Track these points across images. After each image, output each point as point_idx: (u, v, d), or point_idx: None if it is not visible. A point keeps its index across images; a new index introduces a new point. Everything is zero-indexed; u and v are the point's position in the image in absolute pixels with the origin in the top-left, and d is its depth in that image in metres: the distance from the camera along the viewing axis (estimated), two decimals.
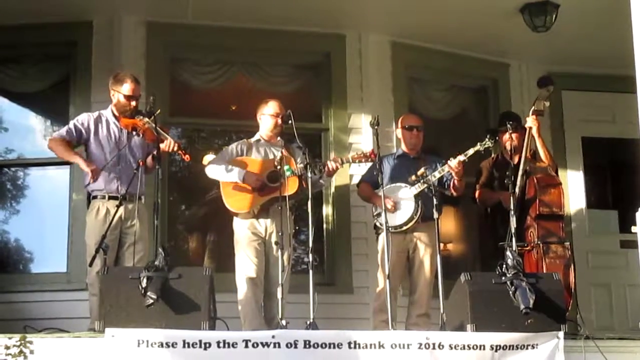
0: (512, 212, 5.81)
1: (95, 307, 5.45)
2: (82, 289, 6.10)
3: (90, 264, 5.53)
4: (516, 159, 6.36)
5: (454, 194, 6.39)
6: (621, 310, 7.80)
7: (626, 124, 7.07)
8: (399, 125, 6.70)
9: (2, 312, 6.39)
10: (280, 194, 5.78)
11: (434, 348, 4.88)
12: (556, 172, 6.60)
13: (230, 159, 6.20)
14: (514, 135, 6.39)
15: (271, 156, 6.21)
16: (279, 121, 6.24)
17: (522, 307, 4.98)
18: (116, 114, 6.04)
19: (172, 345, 4.74)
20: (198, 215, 7.78)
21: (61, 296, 6.67)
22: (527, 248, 6.17)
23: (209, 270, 5.18)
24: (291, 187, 5.96)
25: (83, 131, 5.99)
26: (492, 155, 6.89)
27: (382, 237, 5.95)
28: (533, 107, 6.43)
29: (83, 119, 6.05)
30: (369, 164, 6.42)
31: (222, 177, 6.14)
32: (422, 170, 6.11)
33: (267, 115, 6.31)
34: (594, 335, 5.24)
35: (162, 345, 4.74)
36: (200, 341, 4.75)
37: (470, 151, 6.13)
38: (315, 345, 4.81)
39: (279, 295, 5.39)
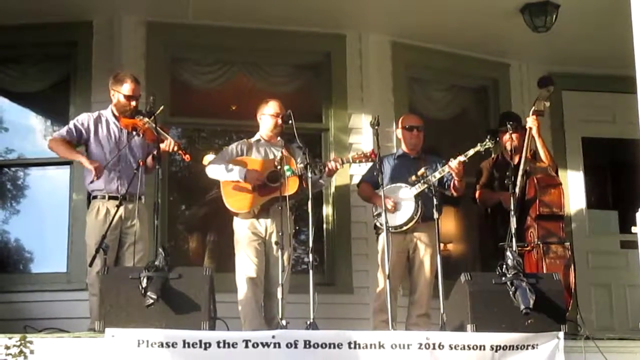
0: (512, 213, 5.81)
1: (95, 307, 5.45)
2: (82, 289, 6.10)
3: (91, 264, 5.52)
4: (516, 159, 6.36)
5: (454, 194, 6.39)
6: (621, 311, 7.80)
7: (626, 124, 7.07)
8: (399, 125, 6.70)
9: (2, 312, 6.39)
10: (280, 194, 5.77)
11: (434, 348, 4.88)
12: (556, 173, 6.60)
13: (231, 159, 6.20)
14: (514, 136, 6.39)
15: (271, 156, 6.20)
16: (279, 121, 6.24)
17: (522, 307, 4.98)
18: (116, 114, 6.04)
19: (172, 345, 4.74)
20: (198, 215, 7.78)
21: (61, 296, 6.67)
22: (527, 248, 6.17)
23: (209, 270, 5.18)
24: (291, 187, 5.96)
25: (83, 131, 5.99)
26: (493, 155, 6.89)
27: (382, 237, 5.95)
28: (533, 108, 6.43)
29: (83, 119, 6.05)
30: (369, 164, 6.42)
31: (223, 177, 6.14)
32: (422, 170, 6.11)
33: (267, 115, 6.31)
34: (594, 336, 5.24)
35: (162, 345, 4.74)
36: (200, 341, 4.75)
37: (471, 152, 6.14)
38: (316, 346, 4.81)
39: (279, 295, 5.39)
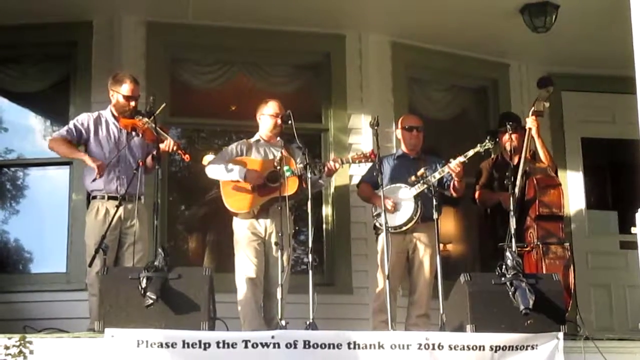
0: (511, 213, 5.80)
1: (94, 307, 5.45)
2: (82, 289, 6.10)
3: (90, 264, 5.52)
4: (516, 160, 6.36)
5: (454, 194, 6.39)
6: (621, 311, 7.80)
7: (626, 124, 7.05)
8: (399, 125, 6.70)
9: (1, 312, 6.38)
10: (280, 194, 5.78)
11: (433, 348, 4.87)
12: (556, 173, 6.61)
13: (230, 159, 6.20)
14: (513, 136, 6.39)
15: (271, 156, 6.20)
16: (279, 121, 6.24)
17: (521, 307, 4.98)
18: (115, 114, 6.04)
19: (172, 346, 4.74)
20: (198, 215, 7.78)
21: (61, 296, 6.67)
22: (527, 249, 6.17)
23: (209, 270, 5.18)
24: (291, 187, 5.96)
25: (83, 131, 5.99)
26: (492, 156, 6.89)
27: (382, 237, 5.95)
28: (533, 108, 6.44)
29: (83, 119, 6.05)
30: (369, 165, 6.41)
31: (223, 177, 6.14)
32: (422, 170, 6.11)
33: (267, 115, 6.31)
34: (593, 336, 5.25)
35: (161, 345, 4.74)
36: (199, 341, 4.75)
37: (470, 152, 6.14)
38: (315, 346, 4.81)
39: (279, 296, 5.39)
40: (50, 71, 7.33)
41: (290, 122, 5.98)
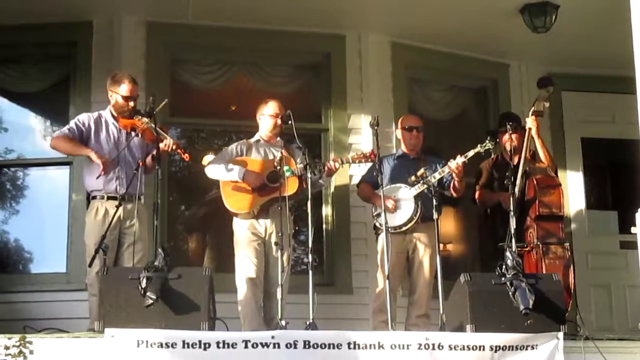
0: (511, 213, 5.80)
1: (94, 308, 5.45)
2: (82, 289, 6.10)
3: (90, 264, 5.53)
4: (516, 160, 6.36)
5: (454, 195, 6.39)
6: (621, 311, 7.80)
7: (626, 124, 7.06)
8: (399, 125, 6.70)
9: (1, 312, 6.38)
10: (280, 194, 5.77)
11: (433, 349, 4.87)
12: (556, 173, 6.61)
13: (230, 159, 6.20)
14: (513, 136, 6.39)
15: (271, 156, 6.20)
16: (279, 121, 6.24)
17: (521, 307, 4.98)
18: (115, 114, 6.04)
19: (172, 346, 4.74)
20: (198, 215, 7.78)
21: (61, 296, 6.67)
22: (527, 249, 6.16)
23: (209, 270, 5.17)
24: (291, 187, 5.96)
25: (84, 130, 5.99)
26: (492, 156, 6.88)
27: (382, 237, 5.94)
28: (533, 108, 6.44)
29: (83, 119, 6.05)
30: (369, 165, 6.41)
31: (223, 177, 6.14)
32: (421, 170, 6.11)
33: (267, 115, 6.31)
34: (593, 336, 5.25)
35: (161, 345, 4.73)
36: (199, 341, 4.75)
37: (470, 153, 6.14)
38: (315, 346, 4.81)
39: (279, 296, 5.38)
40: (50, 71, 7.33)
41: (290, 122, 5.98)
